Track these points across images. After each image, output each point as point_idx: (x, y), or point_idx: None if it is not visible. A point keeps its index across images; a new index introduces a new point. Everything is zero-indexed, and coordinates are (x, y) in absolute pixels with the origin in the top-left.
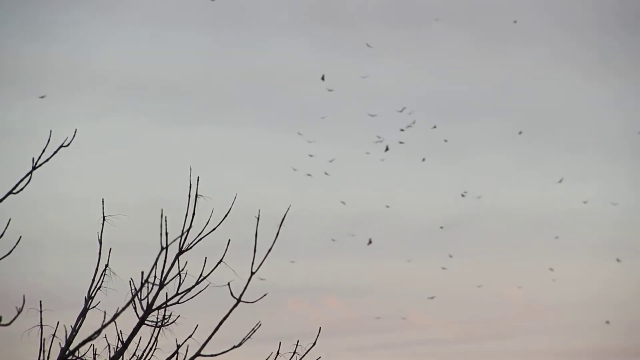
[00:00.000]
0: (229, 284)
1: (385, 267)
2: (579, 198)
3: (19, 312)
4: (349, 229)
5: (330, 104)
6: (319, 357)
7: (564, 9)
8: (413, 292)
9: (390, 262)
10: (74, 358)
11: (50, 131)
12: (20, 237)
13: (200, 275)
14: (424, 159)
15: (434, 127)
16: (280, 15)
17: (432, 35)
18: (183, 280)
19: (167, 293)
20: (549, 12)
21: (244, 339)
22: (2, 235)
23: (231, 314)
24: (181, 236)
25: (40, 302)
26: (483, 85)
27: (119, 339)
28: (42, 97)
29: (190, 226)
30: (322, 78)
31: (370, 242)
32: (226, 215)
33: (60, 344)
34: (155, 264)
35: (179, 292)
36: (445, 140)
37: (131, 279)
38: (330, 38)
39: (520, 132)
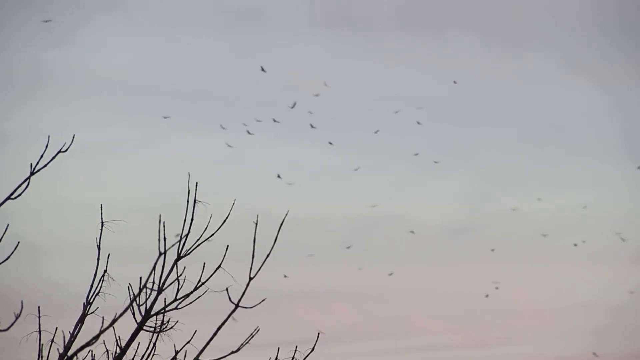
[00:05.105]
0: (227, 289)
1: (391, 272)
2: (588, 203)
3: (17, 318)
4: (355, 235)
5: (340, 108)
6: None
7: (566, 14)
8: (420, 297)
9: (396, 267)
10: None
11: (49, 136)
12: (19, 242)
13: (199, 280)
14: (435, 162)
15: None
16: (293, 21)
17: (443, 40)
18: (181, 286)
19: (165, 298)
20: (554, 18)
21: (242, 344)
22: (0, 240)
23: (234, 320)
24: (179, 242)
25: (39, 307)
26: (490, 91)
27: (117, 344)
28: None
29: (189, 232)
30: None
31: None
32: (224, 221)
33: (58, 349)
34: (154, 269)
35: (178, 297)
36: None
37: (129, 284)
38: (343, 43)
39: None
